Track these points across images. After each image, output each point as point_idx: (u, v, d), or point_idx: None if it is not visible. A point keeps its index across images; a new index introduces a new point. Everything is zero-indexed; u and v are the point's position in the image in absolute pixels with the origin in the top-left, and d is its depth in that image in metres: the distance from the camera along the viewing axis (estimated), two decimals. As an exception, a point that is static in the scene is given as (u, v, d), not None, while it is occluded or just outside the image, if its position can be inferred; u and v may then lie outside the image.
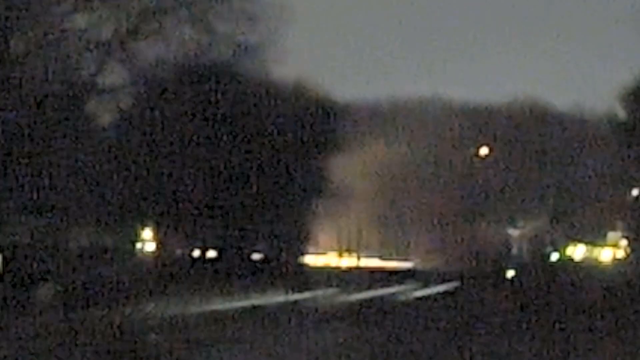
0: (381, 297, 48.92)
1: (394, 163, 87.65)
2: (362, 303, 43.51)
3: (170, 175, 51.33)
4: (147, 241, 57.34)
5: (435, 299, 48.47)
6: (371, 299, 47.36)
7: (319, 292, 49.58)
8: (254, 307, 37.78)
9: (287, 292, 47.80)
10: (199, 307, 37.12)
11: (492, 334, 24.03)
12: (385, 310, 38.55)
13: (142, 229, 56.38)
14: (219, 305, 38.23)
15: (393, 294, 53.10)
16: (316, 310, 37.65)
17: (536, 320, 30.57)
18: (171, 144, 48.52)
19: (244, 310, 36.46)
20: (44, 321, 29.40)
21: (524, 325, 27.64)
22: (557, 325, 27.71)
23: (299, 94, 64.19)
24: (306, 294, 47.79)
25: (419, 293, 54.48)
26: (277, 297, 45.04)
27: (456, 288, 61.23)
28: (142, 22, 42.48)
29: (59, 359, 21.21)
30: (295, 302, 42.85)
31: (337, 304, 41.51)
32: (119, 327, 27.58)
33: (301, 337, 24.95)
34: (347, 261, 74.20)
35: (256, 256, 62.54)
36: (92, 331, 26.16)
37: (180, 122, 47.70)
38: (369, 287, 55.74)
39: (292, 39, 55.52)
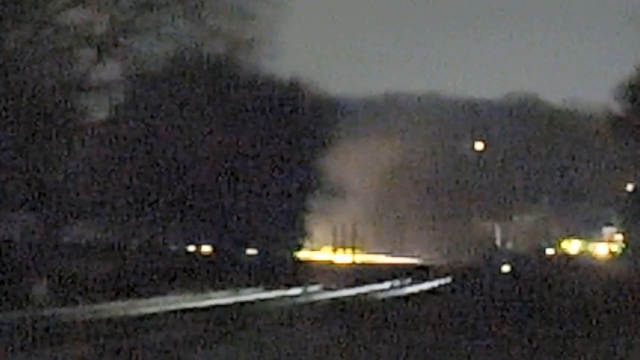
0: (369, 294, 48.94)
1: (389, 158, 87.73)
2: (348, 300, 43.49)
3: (164, 170, 51.39)
4: (144, 237, 57.36)
5: (426, 295, 48.47)
6: (360, 296, 47.35)
7: (306, 289, 49.64)
8: (241, 304, 37.84)
9: (279, 288, 47.89)
10: (192, 302, 37.19)
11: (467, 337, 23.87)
12: (368, 307, 38.54)
13: (138, 224, 56.40)
14: (209, 301, 38.32)
15: (385, 290, 53.12)
16: (298, 307, 37.69)
17: (526, 316, 30.60)
18: (165, 140, 48.56)
19: (230, 306, 36.54)
20: (37, 316, 29.47)
21: (512, 323, 27.61)
22: (549, 324, 27.70)
23: (294, 90, 64.25)
24: (296, 290, 47.87)
25: (411, 289, 54.50)
26: (267, 294, 45.11)
27: (449, 283, 61.30)
28: (136, 18, 42.45)
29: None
30: (282, 298, 42.91)
31: (322, 301, 41.53)
32: (113, 323, 27.62)
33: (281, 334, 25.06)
34: (342, 257, 74.29)
35: (250, 251, 62.61)
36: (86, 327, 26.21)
37: (174, 119, 47.75)
38: (362, 283, 55.78)
39: (288, 34, 55.75)
